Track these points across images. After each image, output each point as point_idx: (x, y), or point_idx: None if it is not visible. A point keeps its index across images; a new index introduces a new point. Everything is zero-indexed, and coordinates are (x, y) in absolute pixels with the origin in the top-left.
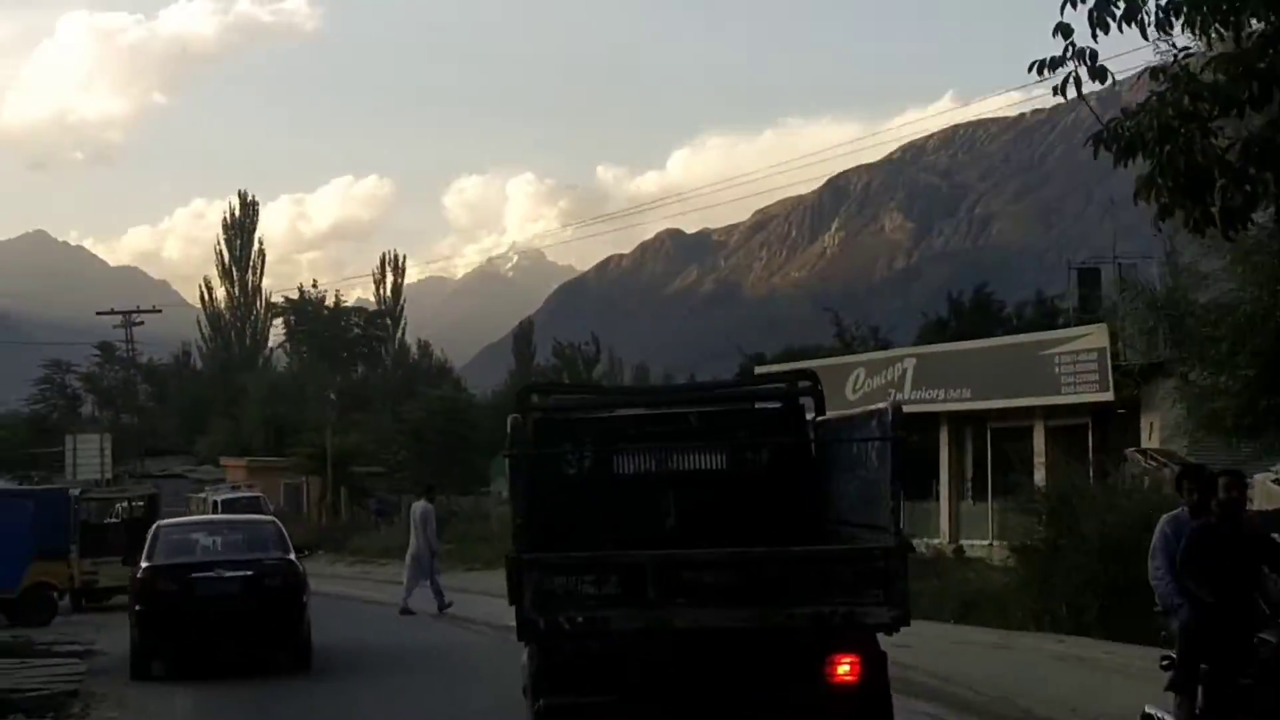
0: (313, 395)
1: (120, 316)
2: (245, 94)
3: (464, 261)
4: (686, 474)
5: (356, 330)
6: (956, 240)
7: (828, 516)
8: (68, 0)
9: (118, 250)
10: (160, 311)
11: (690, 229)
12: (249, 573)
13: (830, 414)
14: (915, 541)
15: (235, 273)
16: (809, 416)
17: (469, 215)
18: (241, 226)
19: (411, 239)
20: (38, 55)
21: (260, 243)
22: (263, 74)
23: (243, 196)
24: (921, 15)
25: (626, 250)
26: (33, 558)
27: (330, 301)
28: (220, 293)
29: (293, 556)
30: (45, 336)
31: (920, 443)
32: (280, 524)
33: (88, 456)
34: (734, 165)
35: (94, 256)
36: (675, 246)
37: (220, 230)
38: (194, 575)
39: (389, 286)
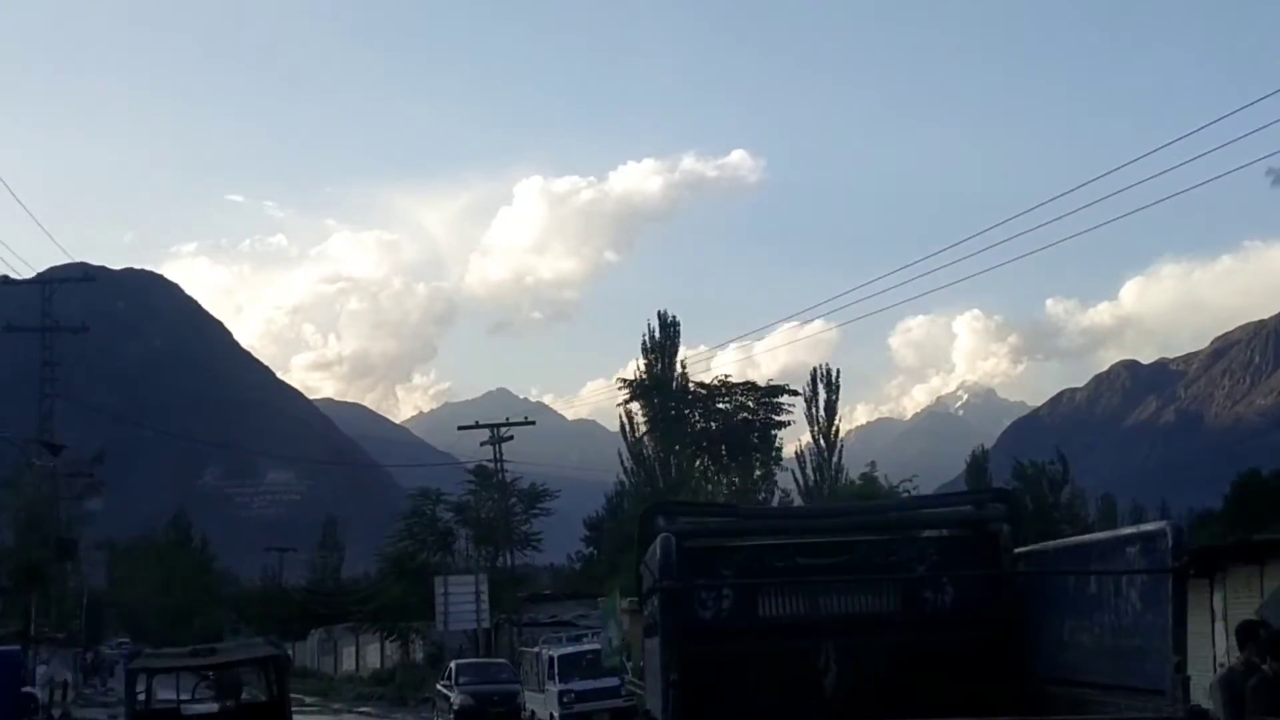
0: None
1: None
2: (690, 246)
3: (913, 402)
4: (849, 618)
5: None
6: None
7: (1039, 674)
8: (523, 168)
9: (575, 405)
10: (534, 423)
11: (1146, 359)
12: None
13: (1047, 543)
14: None
15: (656, 396)
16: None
17: (916, 355)
18: (661, 348)
19: (858, 382)
20: (497, 223)
21: (683, 365)
22: (707, 227)
23: (662, 318)
24: None
25: (1080, 384)
26: None
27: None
28: (641, 421)
29: None
30: None
31: None
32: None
33: (461, 602)
34: (1189, 291)
35: (553, 412)
36: (1131, 377)
37: (640, 355)
38: None
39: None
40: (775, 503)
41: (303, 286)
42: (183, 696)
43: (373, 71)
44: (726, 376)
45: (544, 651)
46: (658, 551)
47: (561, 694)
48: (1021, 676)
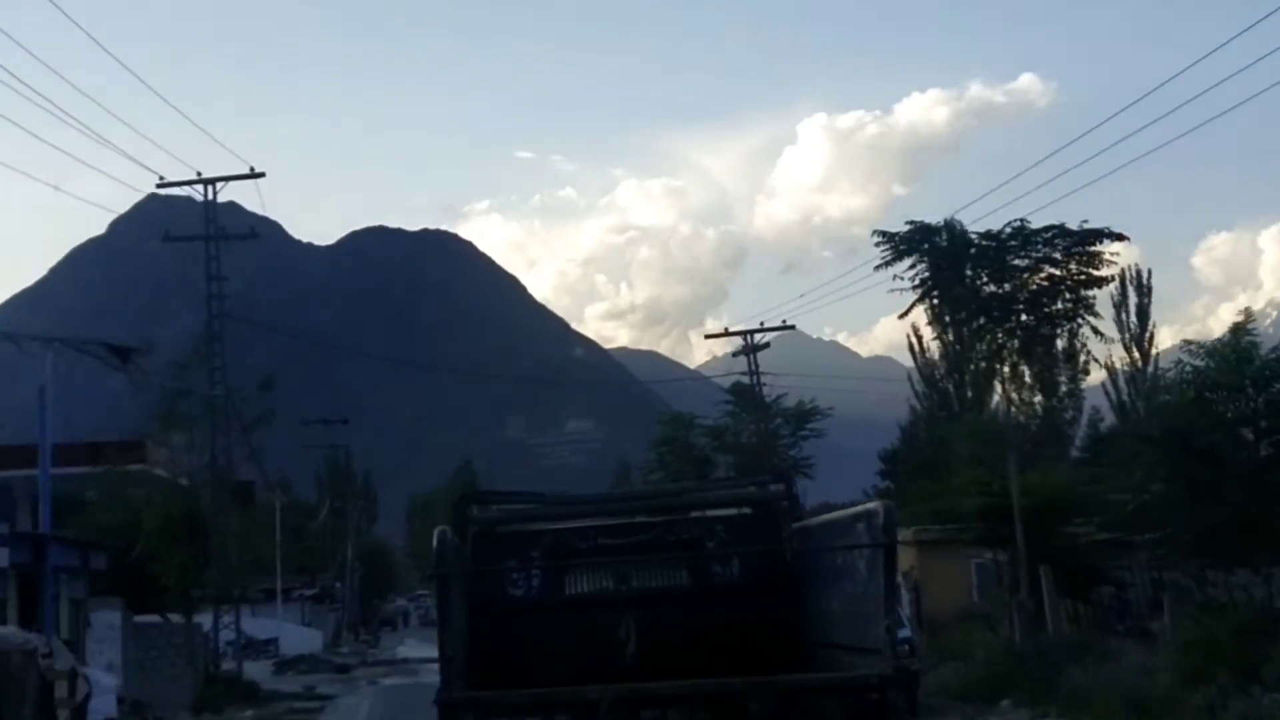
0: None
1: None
2: (979, 176)
3: (1219, 323)
4: (647, 592)
5: None
6: None
7: (811, 639)
8: (806, 106)
9: (869, 342)
10: (792, 327)
11: None
12: None
13: (811, 519)
14: None
15: (946, 314)
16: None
17: (1221, 273)
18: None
19: (1162, 305)
20: (782, 163)
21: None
22: (996, 154)
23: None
24: None
25: None
26: None
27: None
28: (930, 340)
29: None
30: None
31: None
32: None
33: None
34: None
35: (846, 350)
36: None
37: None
38: None
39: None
40: (1084, 421)
41: (593, 238)
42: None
43: (653, 20)
44: (1023, 221)
45: None
46: (434, 542)
47: None
48: (797, 641)
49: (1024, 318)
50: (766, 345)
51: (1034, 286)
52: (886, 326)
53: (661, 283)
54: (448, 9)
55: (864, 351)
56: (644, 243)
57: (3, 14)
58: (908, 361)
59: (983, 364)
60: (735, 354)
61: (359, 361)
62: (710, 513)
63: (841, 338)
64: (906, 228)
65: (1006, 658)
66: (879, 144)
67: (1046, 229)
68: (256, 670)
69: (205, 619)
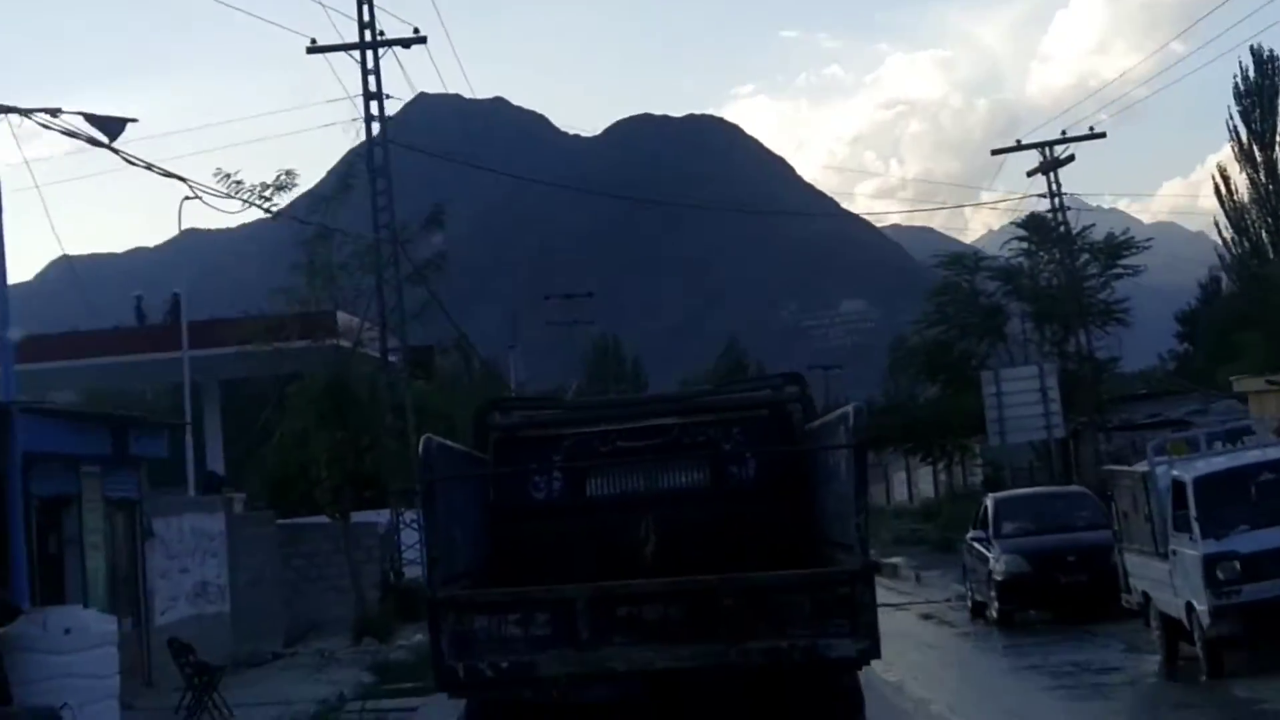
0: None
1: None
2: (1266, 27)
3: None
4: (666, 493)
5: None
6: None
7: (820, 537)
8: None
9: (1151, 209)
10: (1104, 135)
11: None
12: None
13: (815, 421)
14: None
15: (1256, 151)
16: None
17: None
18: (1260, 91)
19: None
20: (1054, 28)
21: None
22: None
23: (1257, 54)
24: None
25: None
26: None
27: None
28: (1240, 181)
29: None
30: None
31: None
32: None
33: (1021, 404)
34: None
35: (1127, 216)
36: None
37: (1231, 100)
38: None
39: None
40: None
41: (861, 115)
42: None
43: None
44: None
45: (1164, 469)
46: (420, 450)
47: (1213, 562)
48: (808, 539)
49: None
50: (1070, 159)
51: None
52: (1171, 189)
53: (933, 157)
54: None
55: (1146, 218)
56: (913, 117)
57: None
58: (1192, 225)
59: None
60: (1031, 172)
61: (629, 250)
62: (727, 414)
63: (1123, 204)
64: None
65: None
66: (1152, 2)
67: None
68: None
69: (379, 517)
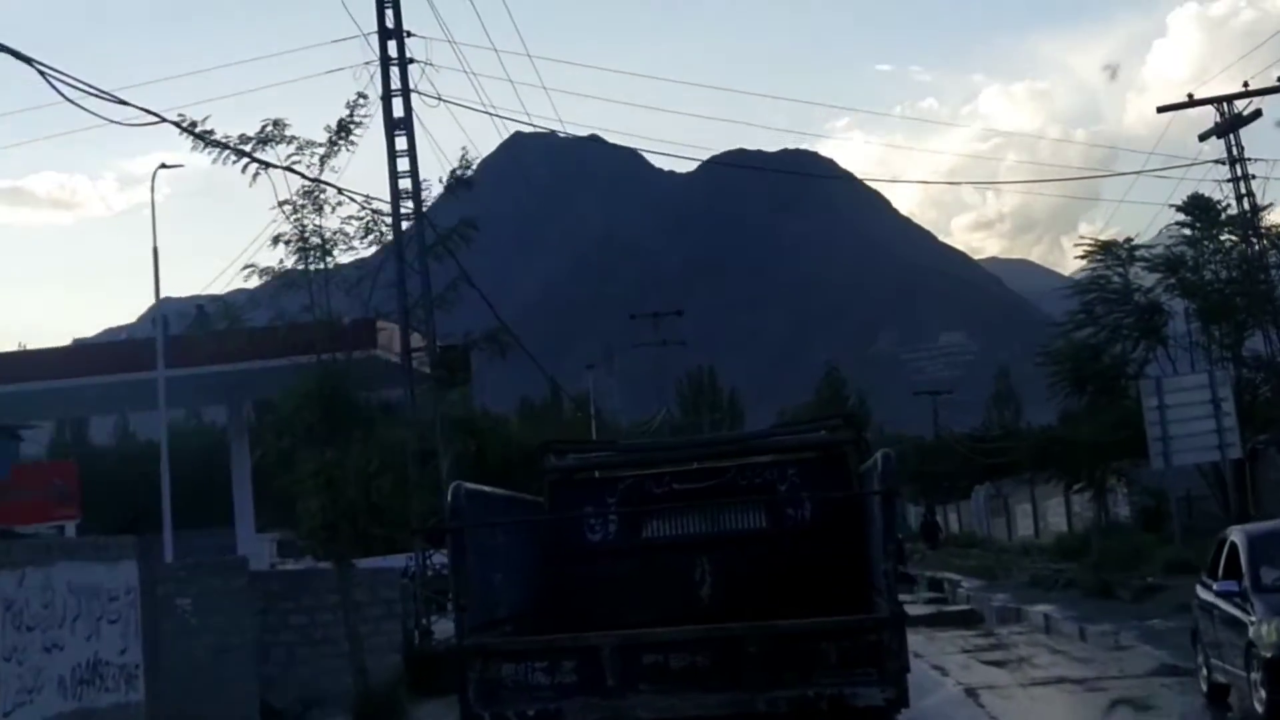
0: None
1: None
2: None
3: None
4: (722, 536)
5: None
6: None
7: (866, 580)
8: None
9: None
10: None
11: None
12: None
13: (865, 463)
14: None
15: None
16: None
17: None
18: None
19: None
20: (1152, 57)
21: None
22: None
23: None
24: None
25: None
26: None
27: None
28: None
29: None
30: None
31: None
32: None
33: (1189, 418)
34: None
35: None
36: None
37: None
38: None
39: None
40: None
41: (956, 147)
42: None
43: None
44: None
45: None
46: (448, 497)
47: None
48: (862, 582)
49: None
50: (1257, 115)
51: None
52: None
53: (1030, 188)
54: None
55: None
56: (1010, 148)
57: None
58: None
59: None
60: (1203, 136)
61: (726, 284)
62: (782, 456)
63: None
64: None
65: None
66: (1255, 29)
67: None
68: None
69: (397, 561)
